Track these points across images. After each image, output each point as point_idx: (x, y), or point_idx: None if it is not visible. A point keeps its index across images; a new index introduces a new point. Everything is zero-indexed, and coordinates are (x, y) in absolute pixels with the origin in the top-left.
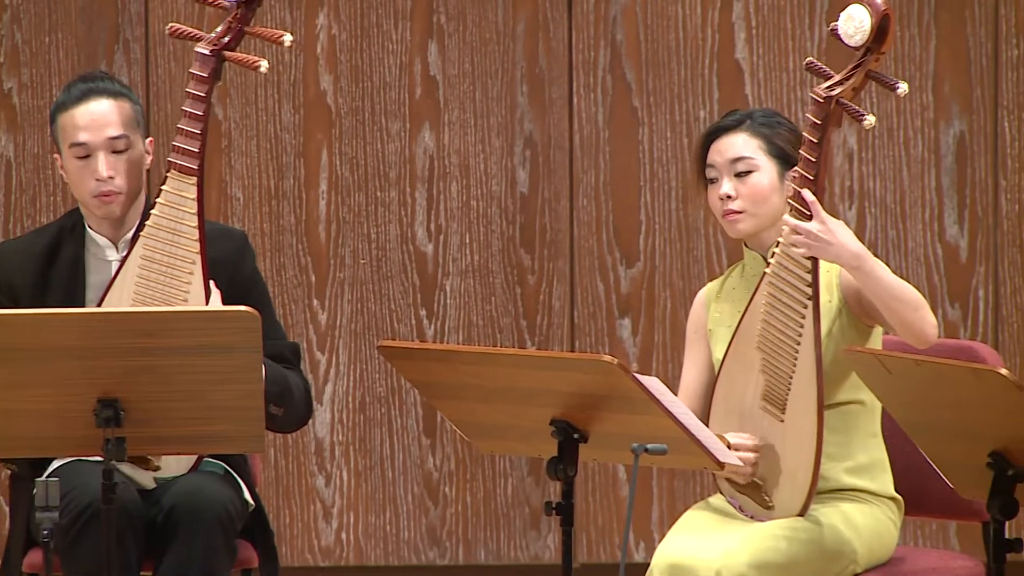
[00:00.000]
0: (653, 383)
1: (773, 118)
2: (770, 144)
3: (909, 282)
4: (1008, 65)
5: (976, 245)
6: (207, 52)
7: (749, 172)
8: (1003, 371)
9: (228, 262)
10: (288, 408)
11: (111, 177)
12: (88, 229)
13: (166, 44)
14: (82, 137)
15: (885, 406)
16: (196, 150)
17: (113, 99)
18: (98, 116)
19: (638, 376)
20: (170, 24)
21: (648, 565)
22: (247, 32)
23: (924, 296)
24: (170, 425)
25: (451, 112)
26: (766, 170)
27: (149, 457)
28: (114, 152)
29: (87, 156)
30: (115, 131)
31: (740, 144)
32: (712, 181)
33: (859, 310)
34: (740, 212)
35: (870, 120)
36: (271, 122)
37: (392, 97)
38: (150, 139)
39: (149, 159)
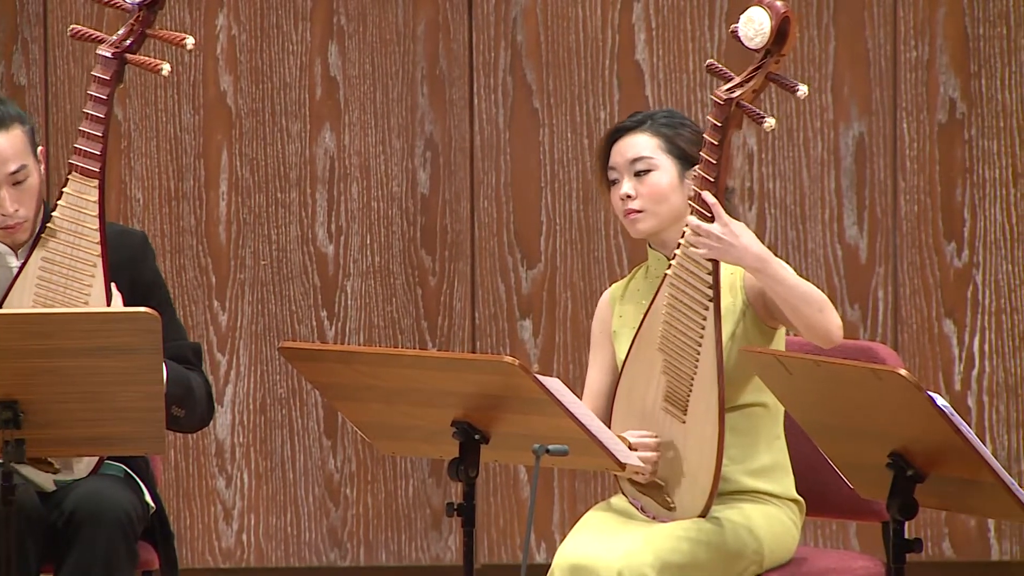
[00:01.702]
0: (554, 384)
1: (675, 119)
2: (670, 144)
3: (810, 283)
4: (907, 66)
5: (875, 246)
6: (109, 55)
7: (648, 171)
8: (903, 372)
9: (128, 264)
10: (190, 409)
11: (16, 210)
12: None
13: (65, 45)
14: None
15: (785, 407)
16: (98, 153)
17: (6, 131)
18: None
19: (539, 377)
20: (72, 26)
21: (549, 566)
22: (149, 35)
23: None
24: (70, 427)
25: (351, 113)
26: (665, 169)
27: (49, 459)
28: (15, 184)
29: None
30: (14, 165)
31: (640, 144)
32: (614, 182)
33: (763, 312)
34: (640, 211)
35: (770, 122)
36: (171, 123)
37: (292, 98)
38: (41, 148)
39: (42, 167)
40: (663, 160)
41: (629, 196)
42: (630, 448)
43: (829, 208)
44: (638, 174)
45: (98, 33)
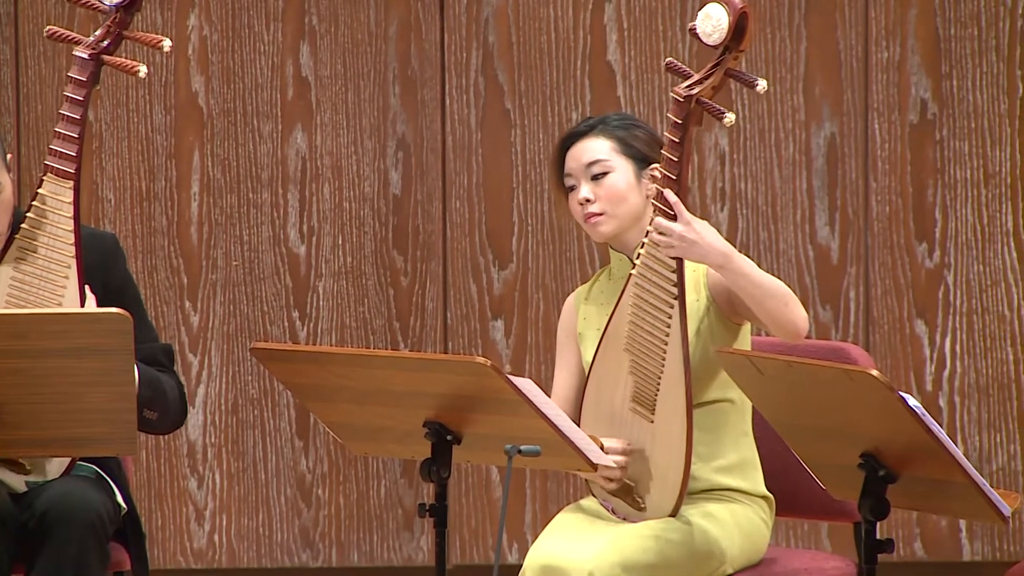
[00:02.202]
0: (526, 384)
1: (627, 120)
2: (624, 145)
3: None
4: (878, 67)
5: (847, 247)
6: (86, 56)
7: (605, 174)
8: (874, 372)
9: (100, 266)
10: (162, 412)
11: None
12: None
13: (36, 45)
14: None
15: (757, 407)
16: (73, 154)
17: None
18: None
19: (511, 377)
20: (48, 27)
21: (521, 566)
22: (126, 36)
23: (795, 293)
24: (42, 428)
25: (323, 113)
26: (622, 170)
27: (20, 460)
28: None
29: None
30: None
31: (594, 148)
32: (571, 189)
33: (728, 308)
34: (600, 214)
35: (730, 118)
36: (142, 123)
37: (264, 98)
38: (10, 156)
39: (12, 174)
40: (619, 161)
41: (588, 200)
42: (602, 448)
43: (801, 209)
44: (595, 177)
45: (75, 34)
